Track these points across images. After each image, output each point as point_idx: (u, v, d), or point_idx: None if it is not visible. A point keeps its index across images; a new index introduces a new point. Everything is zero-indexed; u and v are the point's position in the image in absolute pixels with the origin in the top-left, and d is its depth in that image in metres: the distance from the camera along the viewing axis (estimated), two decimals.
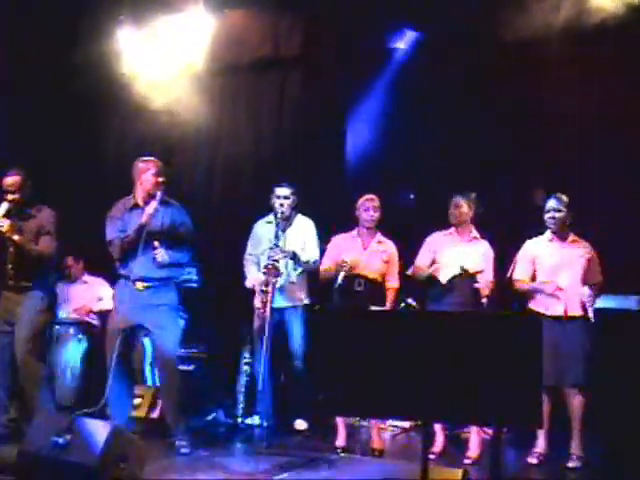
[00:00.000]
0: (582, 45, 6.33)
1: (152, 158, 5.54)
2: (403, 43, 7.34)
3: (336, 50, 7.50)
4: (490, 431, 5.64)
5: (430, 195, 6.55)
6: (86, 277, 7.28)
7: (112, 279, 5.83)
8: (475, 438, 5.39)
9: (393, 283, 5.81)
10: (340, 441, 5.59)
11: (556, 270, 5.41)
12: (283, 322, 6.06)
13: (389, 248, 5.81)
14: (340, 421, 5.64)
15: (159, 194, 5.38)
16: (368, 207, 5.69)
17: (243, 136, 7.97)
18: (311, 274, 6.11)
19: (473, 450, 5.36)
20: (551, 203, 5.40)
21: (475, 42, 6.77)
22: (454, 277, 5.37)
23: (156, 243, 5.28)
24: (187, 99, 7.66)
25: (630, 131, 6.10)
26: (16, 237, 5.38)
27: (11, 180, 5.51)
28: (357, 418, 6.15)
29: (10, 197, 5.45)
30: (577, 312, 5.33)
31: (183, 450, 5.26)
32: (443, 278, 5.40)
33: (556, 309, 5.35)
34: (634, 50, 6.13)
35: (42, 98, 7.53)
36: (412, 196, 6.60)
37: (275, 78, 8.01)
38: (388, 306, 5.73)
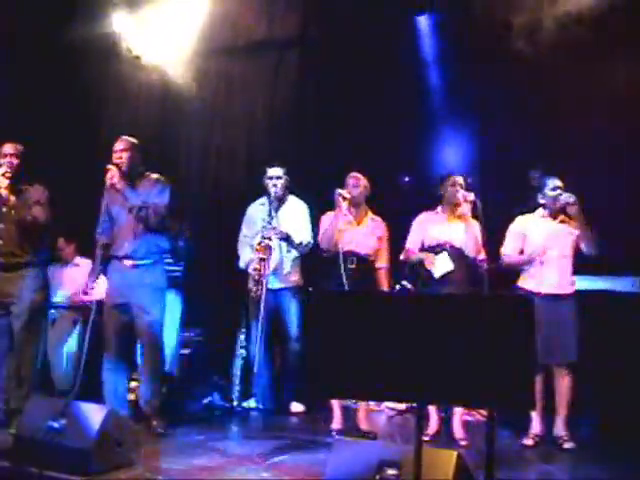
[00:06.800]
0: (587, 29, 6.32)
1: (121, 137, 5.55)
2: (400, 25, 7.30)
3: (331, 31, 7.45)
4: (484, 413, 5.66)
5: (425, 178, 6.55)
6: (78, 259, 7.23)
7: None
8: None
9: (384, 263, 5.79)
10: (336, 424, 5.60)
11: (551, 247, 5.44)
12: (278, 304, 6.10)
13: (381, 225, 5.81)
14: (336, 404, 5.65)
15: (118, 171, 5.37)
16: (348, 184, 5.69)
17: (237, 119, 7.94)
18: (304, 256, 6.14)
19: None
20: (555, 182, 5.45)
21: (472, 24, 6.75)
22: (447, 273, 5.41)
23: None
24: (181, 82, 7.63)
25: (626, 112, 6.11)
26: (13, 198, 5.37)
27: (11, 146, 5.50)
28: (352, 401, 6.16)
29: (8, 160, 5.41)
30: (566, 290, 5.40)
31: (158, 430, 5.29)
32: (437, 273, 5.43)
33: (545, 287, 5.38)
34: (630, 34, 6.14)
35: (33, 79, 7.47)
36: (407, 178, 6.58)
37: (270, 60, 7.97)
38: (384, 287, 5.73)
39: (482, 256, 5.43)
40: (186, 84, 7.62)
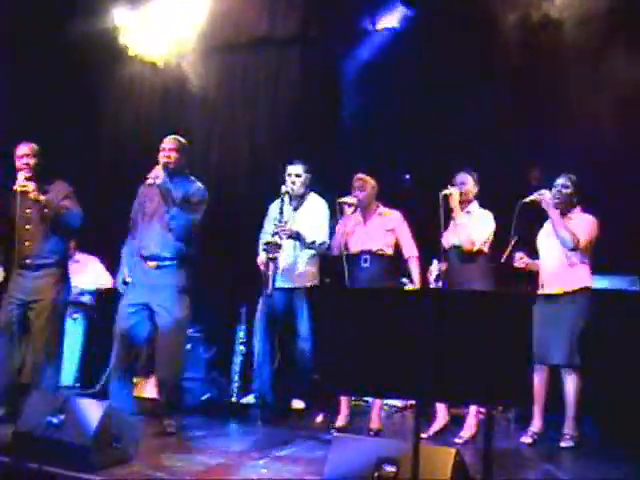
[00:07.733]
0: (577, 25, 6.33)
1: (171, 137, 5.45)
2: (398, 21, 7.30)
3: (332, 29, 7.45)
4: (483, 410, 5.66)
5: (427, 176, 6.54)
6: (78, 255, 7.22)
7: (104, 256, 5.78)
8: (472, 419, 5.39)
9: (410, 251, 5.67)
10: (340, 421, 5.57)
11: (548, 247, 5.46)
12: (290, 303, 6.03)
13: (392, 217, 5.73)
14: (344, 401, 5.62)
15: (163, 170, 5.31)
16: (353, 187, 5.68)
17: (239, 116, 7.94)
18: (322, 256, 6.11)
19: (466, 430, 5.35)
20: (560, 180, 5.43)
21: (468, 19, 6.76)
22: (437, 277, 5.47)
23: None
24: (183, 78, 7.64)
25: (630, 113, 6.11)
26: (42, 197, 5.28)
27: (24, 146, 5.44)
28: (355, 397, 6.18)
29: (25, 161, 5.36)
30: (560, 288, 5.33)
31: (169, 429, 5.21)
32: (432, 281, 5.50)
33: (541, 287, 5.39)
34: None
35: (33, 77, 7.46)
36: (408, 176, 6.58)
37: (271, 57, 7.98)
38: (415, 277, 5.64)
39: (477, 247, 5.40)
40: (187, 81, 7.62)
